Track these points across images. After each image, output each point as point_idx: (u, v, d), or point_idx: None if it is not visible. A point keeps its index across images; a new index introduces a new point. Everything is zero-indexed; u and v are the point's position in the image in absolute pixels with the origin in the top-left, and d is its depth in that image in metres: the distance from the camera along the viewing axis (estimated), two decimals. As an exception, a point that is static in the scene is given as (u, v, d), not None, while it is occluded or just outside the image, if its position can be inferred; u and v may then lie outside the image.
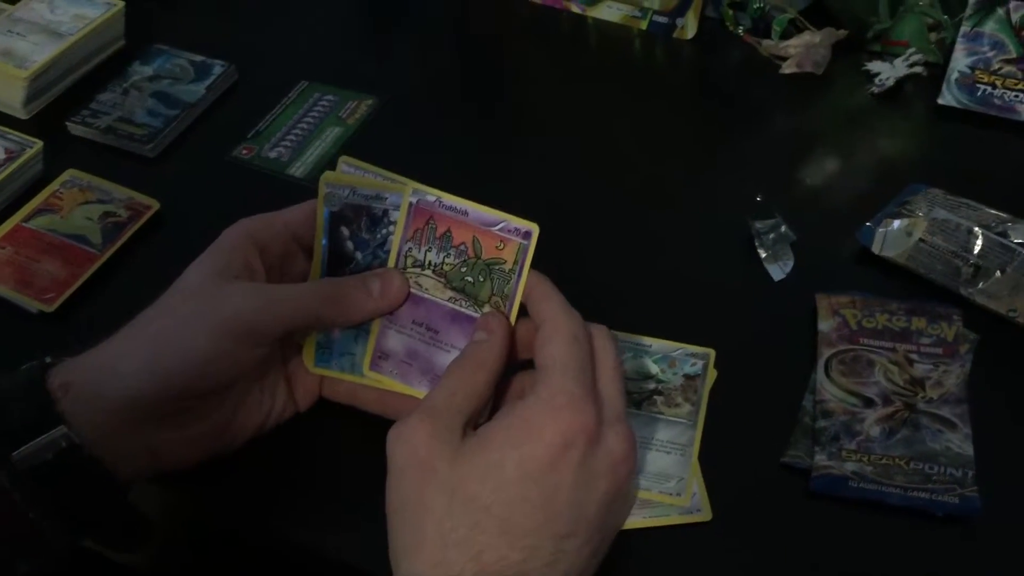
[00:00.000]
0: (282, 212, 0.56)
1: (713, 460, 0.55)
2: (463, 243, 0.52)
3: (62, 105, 0.79)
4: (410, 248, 0.53)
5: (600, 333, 0.50)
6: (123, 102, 0.78)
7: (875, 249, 0.65)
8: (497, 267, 0.52)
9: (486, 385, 0.49)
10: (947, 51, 0.79)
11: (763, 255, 0.66)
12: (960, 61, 0.77)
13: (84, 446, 0.47)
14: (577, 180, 0.74)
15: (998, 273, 0.62)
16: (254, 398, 0.55)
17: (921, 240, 0.64)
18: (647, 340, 0.60)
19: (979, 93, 0.76)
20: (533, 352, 0.50)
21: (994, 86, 0.76)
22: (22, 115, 0.78)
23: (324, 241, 0.55)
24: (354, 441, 0.57)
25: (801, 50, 0.81)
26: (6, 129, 0.74)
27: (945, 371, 0.58)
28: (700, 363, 0.59)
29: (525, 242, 0.51)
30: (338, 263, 0.55)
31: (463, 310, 0.53)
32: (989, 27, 0.76)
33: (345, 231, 0.55)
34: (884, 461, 0.54)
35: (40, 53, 0.78)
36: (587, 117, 0.80)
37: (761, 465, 0.55)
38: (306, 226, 0.56)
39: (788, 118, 0.80)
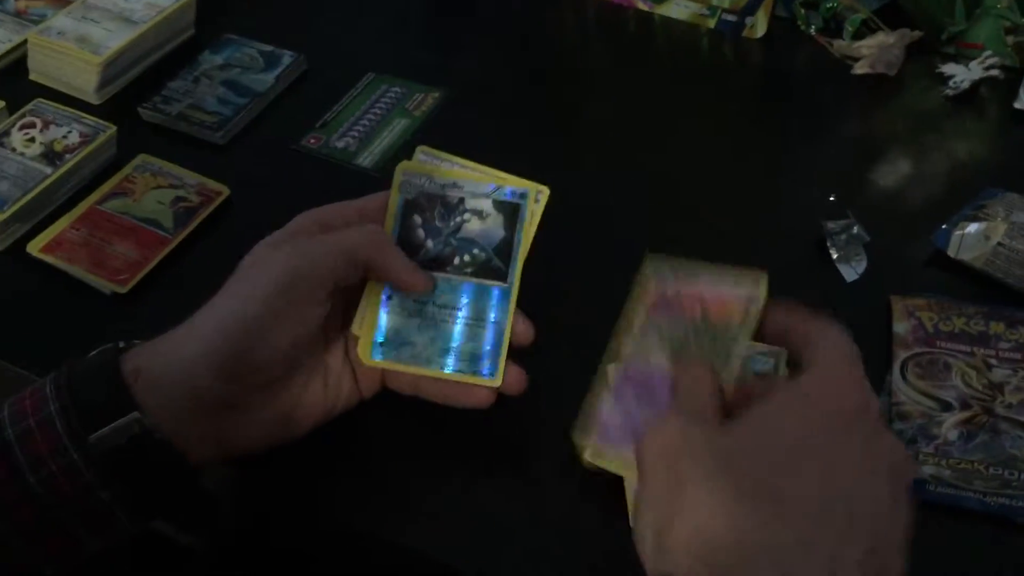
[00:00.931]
0: (356, 200, 0.56)
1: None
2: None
3: (134, 92, 0.80)
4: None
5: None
6: (194, 90, 0.79)
7: (951, 252, 0.64)
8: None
9: (712, 376, 0.47)
10: (1024, 54, 0.78)
11: (835, 255, 0.66)
12: (1038, 64, 0.76)
13: (156, 431, 0.47)
14: (644, 180, 0.73)
15: (1079, 279, 0.60)
16: (318, 384, 0.55)
17: (999, 244, 0.63)
18: None
19: (1057, 97, 0.75)
20: (777, 332, 0.50)
21: (1073, 90, 0.75)
22: (95, 100, 0.79)
23: (395, 228, 0.55)
24: (415, 430, 0.57)
25: (874, 51, 0.80)
26: (80, 113, 0.75)
27: (1025, 377, 0.57)
28: (771, 362, 0.58)
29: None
30: (408, 250, 0.55)
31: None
32: (1070, 30, 0.75)
33: (418, 219, 0.55)
34: (963, 465, 0.53)
35: (114, 40, 0.79)
36: (653, 116, 0.79)
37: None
38: (381, 216, 0.56)
39: (860, 119, 0.79)
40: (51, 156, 0.71)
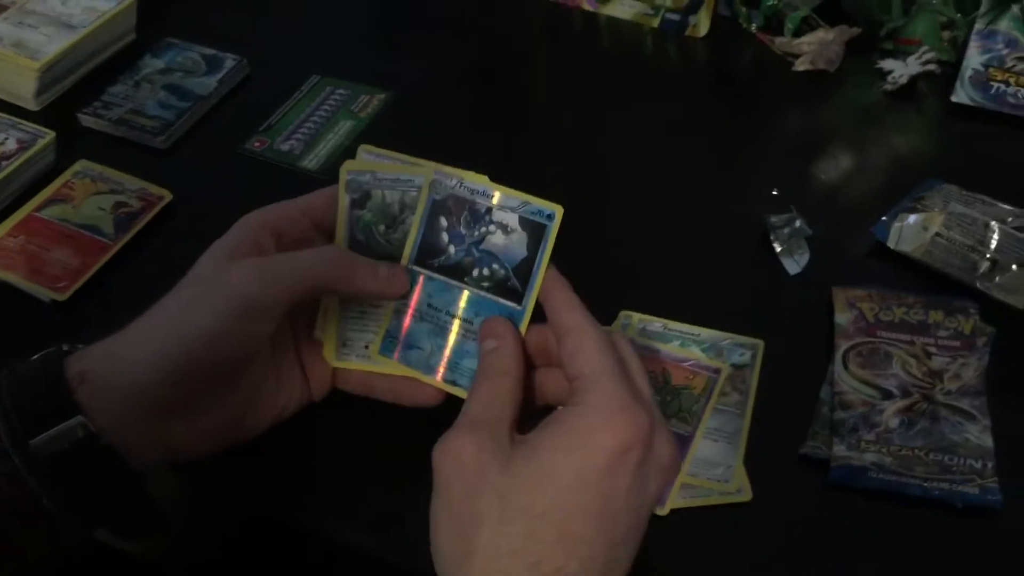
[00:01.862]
0: (299, 199, 0.56)
1: (731, 451, 0.55)
2: None
3: (73, 97, 0.79)
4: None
5: (620, 337, 0.50)
6: (135, 94, 0.78)
7: (891, 244, 0.65)
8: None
9: (514, 389, 0.48)
10: (960, 49, 0.79)
11: (778, 249, 0.66)
12: (974, 59, 0.77)
13: (100, 435, 0.46)
14: (589, 178, 0.73)
15: (1015, 267, 0.61)
16: (269, 388, 0.54)
17: (937, 235, 0.64)
18: (696, 329, 0.60)
19: (993, 91, 0.76)
20: (547, 358, 0.50)
21: (1008, 84, 0.76)
22: (33, 106, 0.78)
23: (420, 228, 0.53)
24: (368, 429, 0.57)
25: (814, 47, 0.81)
26: (18, 120, 0.74)
27: (963, 364, 0.58)
28: (748, 353, 0.59)
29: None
30: (429, 254, 0.53)
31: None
32: (1003, 25, 0.76)
33: (444, 222, 0.53)
34: (903, 452, 0.54)
35: (52, 45, 0.78)
36: (599, 115, 0.80)
37: (780, 456, 0.55)
38: (326, 212, 0.55)
39: (801, 115, 0.80)
40: (-13, 163, 0.70)
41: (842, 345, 0.59)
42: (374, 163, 0.55)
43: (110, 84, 0.79)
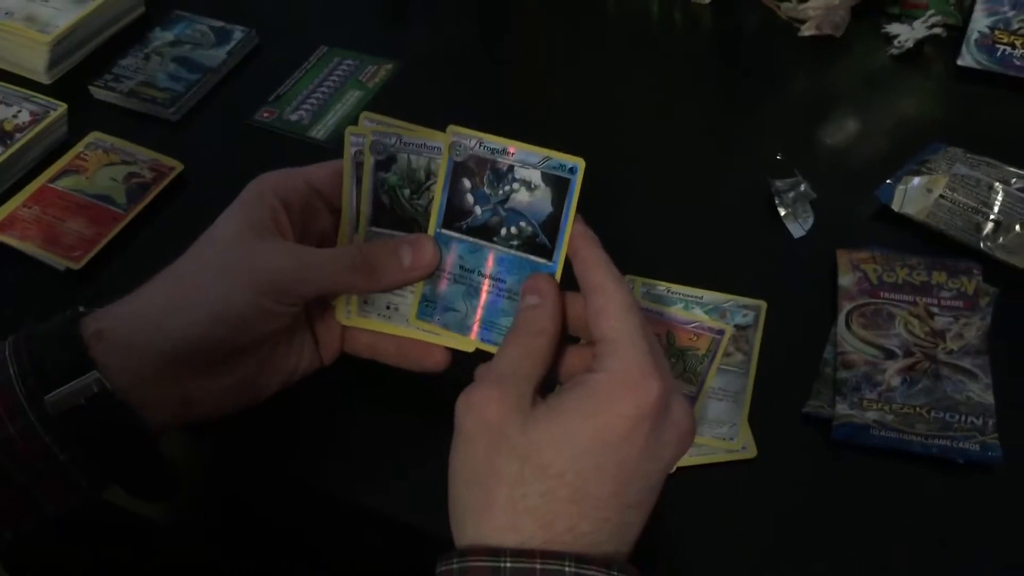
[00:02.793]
0: (304, 168, 0.56)
1: (735, 410, 0.56)
2: None
3: (84, 70, 0.80)
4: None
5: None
6: (145, 67, 0.79)
7: (895, 206, 0.66)
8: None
9: (548, 350, 0.48)
10: (967, 12, 0.79)
11: (783, 213, 0.67)
12: (980, 22, 0.77)
13: (115, 392, 0.48)
14: (596, 144, 0.73)
15: (1018, 228, 0.62)
16: (281, 352, 0.55)
17: (941, 197, 0.64)
18: (698, 292, 0.61)
19: (999, 54, 0.76)
20: (576, 323, 0.50)
21: (1014, 46, 0.76)
22: (45, 79, 0.79)
23: (444, 191, 0.53)
24: (376, 391, 0.58)
25: (820, 12, 0.81)
26: (30, 92, 0.75)
27: (966, 324, 0.58)
28: (752, 314, 0.60)
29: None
30: (456, 216, 0.53)
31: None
32: (1010, -13, 0.76)
33: (467, 183, 0.53)
34: (905, 410, 0.54)
35: (62, 18, 0.79)
36: (607, 81, 0.80)
37: (784, 414, 0.56)
38: (330, 183, 0.56)
39: (807, 80, 0.80)
40: (1, 136, 0.71)
41: (845, 306, 0.60)
42: (383, 128, 0.55)
43: (120, 57, 0.80)
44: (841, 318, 0.59)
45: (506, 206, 0.52)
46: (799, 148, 0.72)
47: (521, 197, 0.52)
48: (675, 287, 0.62)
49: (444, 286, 0.53)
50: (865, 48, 0.81)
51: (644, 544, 0.45)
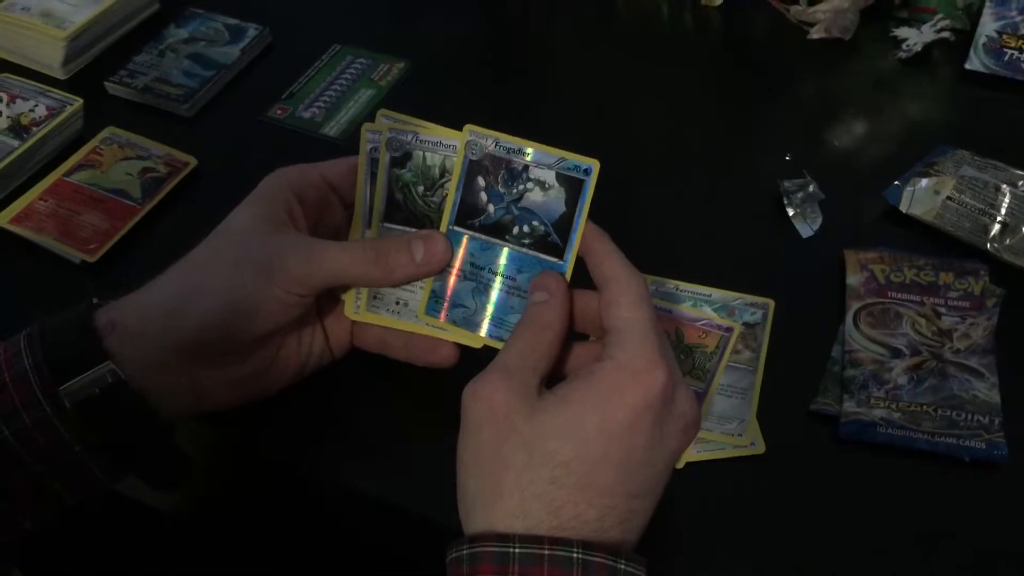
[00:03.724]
0: (320, 164, 0.57)
1: (743, 407, 0.56)
2: None
3: (100, 66, 0.81)
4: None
5: None
6: (159, 63, 0.80)
7: (902, 207, 0.66)
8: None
9: (554, 345, 0.49)
10: (975, 16, 0.79)
11: (792, 213, 0.67)
12: (988, 26, 0.78)
13: (129, 382, 0.48)
14: (606, 145, 0.73)
15: (1025, 230, 0.62)
16: (292, 345, 0.56)
17: (948, 198, 0.65)
18: (707, 290, 0.62)
19: (1006, 58, 0.77)
20: (587, 320, 0.51)
21: (1021, 51, 0.76)
22: (61, 75, 0.80)
23: (459, 188, 0.54)
24: (384, 384, 0.58)
25: (829, 15, 0.81)
26: (47, 87, 0.75)
27: (972, 323, 0.59)
28: (760, 312, 0.61)
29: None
30: (469, 213, 0.53)
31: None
32: (1018, -9, 0.77)
33: (481, 181, 0.53)
34: (912, 408, 0.55)
35: (78, 14, 0.80)
36: (617, 82, 0.81)
37: (792, 411, 0.57)
38: (345, 179, 0.56)
39: (816, 83, 0.81)
40: (18, 130, 0.72)
41: (853, 305, 0.60)
42: (400, 125, 0.55)
43: (135, 53, 0.81)
44: (849, 317, 0.60)
45: (519, 205, 0.53)
46: (808, 149, 0.73)
47: (535, 196, 0.52)
48: (684, 285, 0.62)
49: (454, 282, 0.54)
50: (874, 51, 0.81)
51: (652, 537, 0.46)
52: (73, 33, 0.78)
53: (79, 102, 0.74)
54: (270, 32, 0.83)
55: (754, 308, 0.61)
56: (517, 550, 0.42)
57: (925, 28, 0.80)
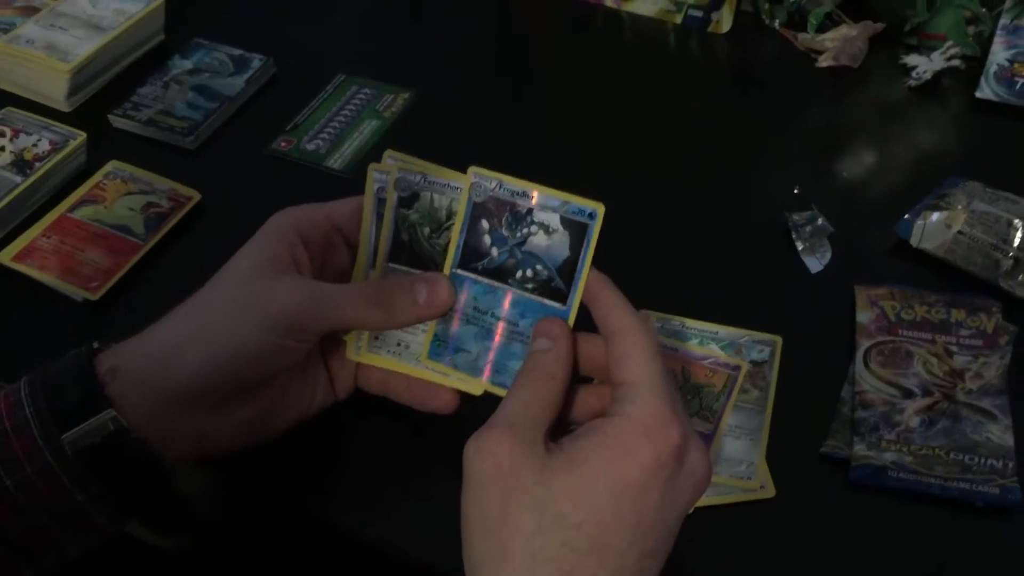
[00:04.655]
0: (326, 204, 0.56)
1: (752, 449, 0.55)
2: None
3: (104, 98, 0.80)
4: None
5: None
6: (163, 95, 0.80)
7: (913, 242, 0.65)
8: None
9: (558, 394, 0.48)
10: (985, 44, 0.79)
11: (800, 247, 0.66)
12: (999, 54, 0.77)
13: (131, 429, 0.48)
14: (613, 175, 0.74)
15: (1038, 265, 0.61)
16: (296, 387, 0.55)
17: (960, 232, 0.64)
18: (714, 327, 0.61)
19: (1018, 86, 0.76)
20: (592, 366, 0.50)
21: (1033, 79, 0.76)
22: (65, 108, 0.80)
23: (463, 232, 0.53)
24: (390, 427, 0.57)
25: (838, 43, 0.81)
26: (50, 121, 0.75)
27: (985, 363, 0.58)
28: (767, 350, 0.60)
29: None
30: (472, 256, 0.53)
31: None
32: (1028, 20, 0.76)
33: (485, 224, 0.53)
34: (924, 451, 0.54)
35: (82, 47, 0.80)
36: (623, 112, 0.80)
37: (802, 453, 0.56)
38: (351, 220, 0.56)
39: (824, 111, 0.80)
40: (21, 165, 0.71)
41: (863, 344, 0.59)
42: (407, 166, 0.55)
43: (139, 85, 0.81)
44: (859, 356, 0.59)
45: (523, 248, 0.52)
46: (816, 181, 0.72)
47: (539, 240, 0.52)
48: (690, 322, 0.61)
49: (457, 326, 0.53)
50: (883, 79, 0.81)
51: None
52: (77, 66, 0.78)
53: (82, 136, 0.74)
54: (274, 63, 0.82)
55: (762, 345, 0.60)
56: None
57: (935, 56, 0.79)
